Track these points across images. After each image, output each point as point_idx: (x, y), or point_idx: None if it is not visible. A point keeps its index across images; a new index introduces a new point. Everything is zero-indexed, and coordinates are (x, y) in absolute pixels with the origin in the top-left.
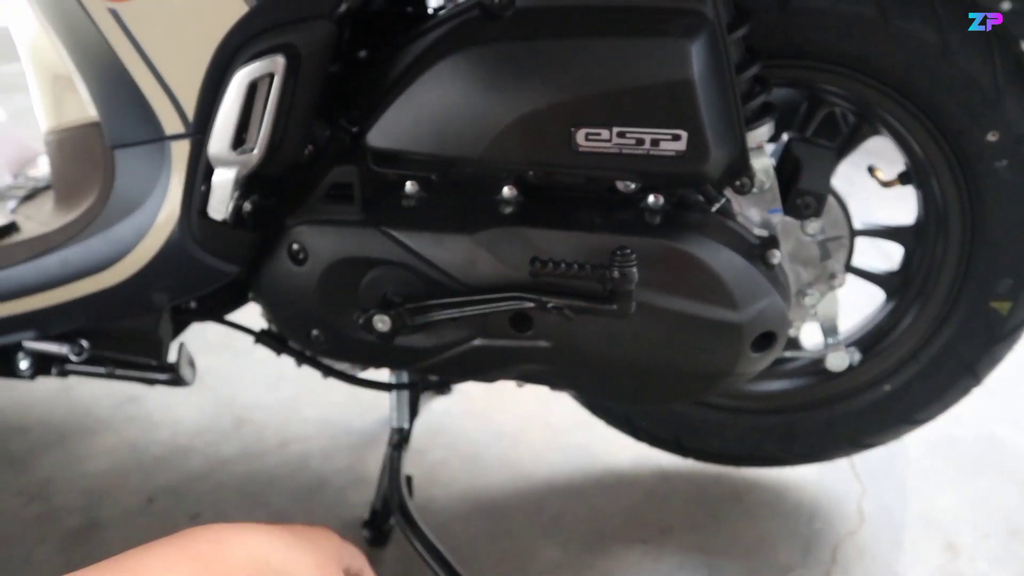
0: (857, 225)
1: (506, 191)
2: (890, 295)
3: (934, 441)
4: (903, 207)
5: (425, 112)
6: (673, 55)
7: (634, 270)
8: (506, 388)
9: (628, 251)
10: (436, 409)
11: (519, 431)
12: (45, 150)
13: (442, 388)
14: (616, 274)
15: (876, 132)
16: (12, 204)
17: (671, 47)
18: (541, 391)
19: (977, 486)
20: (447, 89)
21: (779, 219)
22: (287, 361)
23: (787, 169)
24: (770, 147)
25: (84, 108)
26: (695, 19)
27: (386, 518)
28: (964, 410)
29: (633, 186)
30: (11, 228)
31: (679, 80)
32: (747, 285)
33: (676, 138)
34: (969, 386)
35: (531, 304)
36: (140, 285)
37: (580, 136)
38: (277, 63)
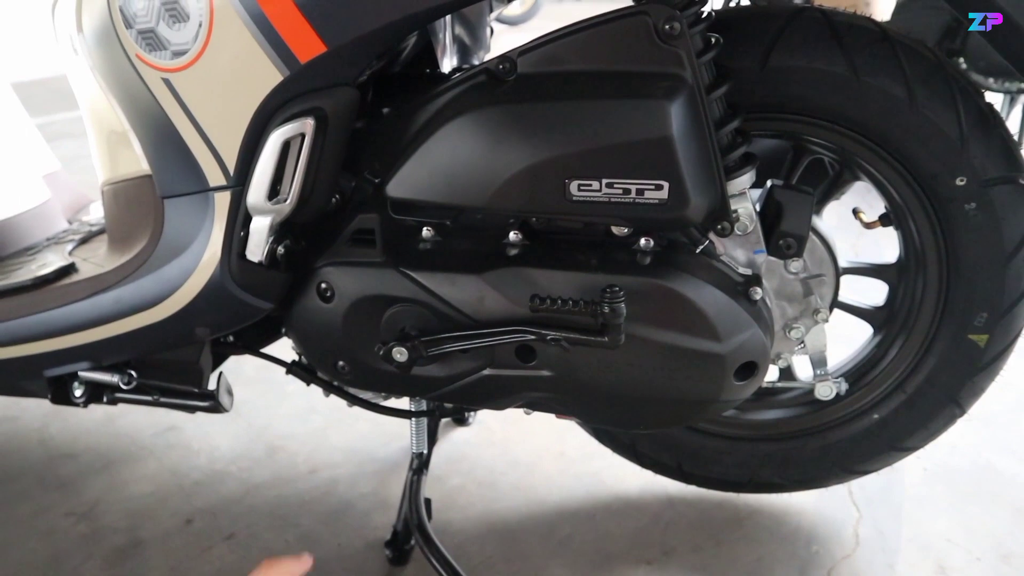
0: (843, 264)
1: (512, 235)
2: (876, 329)
3: (931, 470)
4: None
5: (438, 165)
6: (654, 115)
7: (622, 305)
8: (522, 420)
9: (617, 288)
10: (456, 439)
11: (534, 460)
12: (101, 199)
13: (460, 417)
14: (606, 309)
15: (857, 178)
16: (69, 247)
17: (652, 108)
18: (556, 424)
19: (971, 512)
20: (457, 145)
21: (763, 259)
22: (317, 394)
23: (770, 213)
24: (756, 193)
25: (137, 162)
26: (675, 83)
27: (407, 539)
28: (961, 440)
29: (627, 230)
30: (71, 269)
31: (659, 137)
32: (729, 319)
33: (659, 188)
34: (954, 415)
35: (532, 337)
36: (185, 320)
37: (573, 187)
38: (307, 124)
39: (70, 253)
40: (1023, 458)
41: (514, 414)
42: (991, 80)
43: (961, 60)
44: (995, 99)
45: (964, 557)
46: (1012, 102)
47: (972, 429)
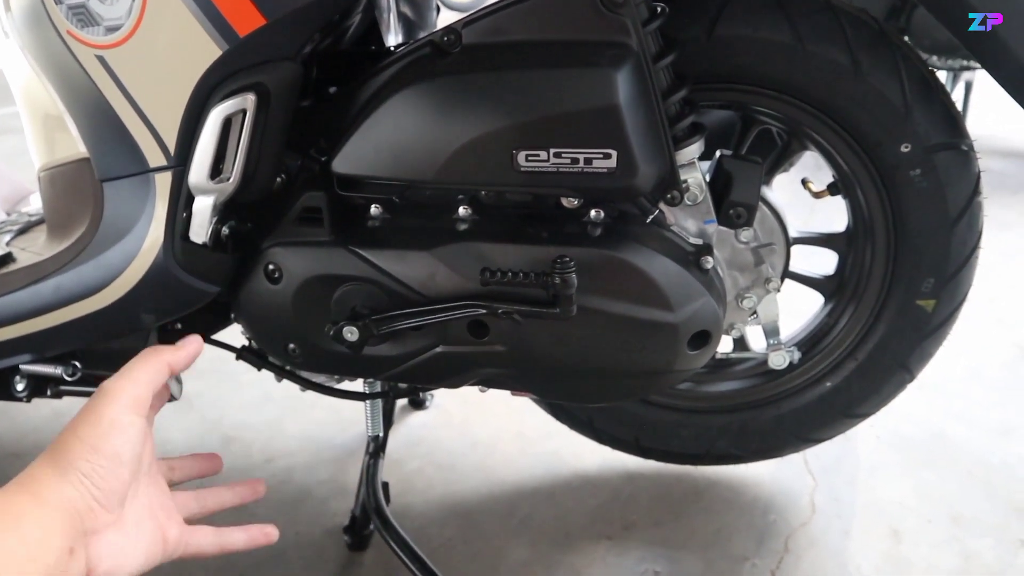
0: (793, 233)
1: (461, 210)
2: (827, 298)
3: (885, 439)
4: None
5: (383, 140)
6: (600, 83)
7: (573, 276)
8: (481, 402)
9: (567, 259)
10: (414, 423)
11: (493, 441)
12: (38, 185)
13: (417, 401)
14: (557, 280)
15: (805, 148)
16: (7, 238)
17: (598, 76)
18: (514, 405)
19: (923, 478)
20: (402, 118)
21: (714, 229)
22: (271, 384)
23: (720, 183)
24: (706, 164)
25: (74, 145)
26: (620, 51)
27: (366, 524)
28: (914, 409)
29: (577, 202)
30: (7, 258)
31: (606, 105)
32: (681, 288)
33: (607, 156)
34: (904, 380)
35: (484, 311)
36: (129, 306)
37: (521, 157)
38: (248, 100)
39: (8, 243)
40: (973, 424)
41: (472, 396)
42: (934, 57)
43: (906, 38)
44: (938, 76)
45: (916, 520)
46: (955, 79)
47: (924, 397)
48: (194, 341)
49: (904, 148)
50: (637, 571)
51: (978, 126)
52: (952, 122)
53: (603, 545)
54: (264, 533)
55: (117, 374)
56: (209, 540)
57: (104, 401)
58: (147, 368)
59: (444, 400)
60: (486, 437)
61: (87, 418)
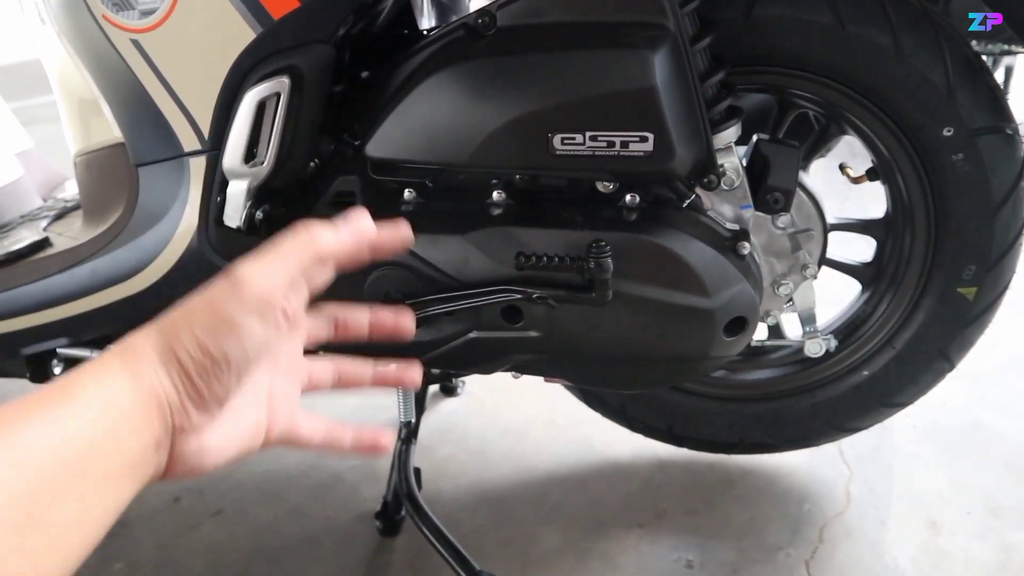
0: (831, 219)
1: (495, 194)
2: (865, 285)
3: (921, 428)
4: None
5: (417, 123)
6: (637, 65)
7: (609, 261)
8: (511, 389)
9: (603, 243)
10: (445, 409)
11: (524, 428)
12: (74, 170)
13: (448, 387)
14: (592, 264)
15: (844, 132)
16: (44, 223)
17: (636, 58)
18: (546, 391)
19: (960, 468)
20: (437, 101)
21: (750, 214)
22: None
23: (757, 168)
24: (742, 148)
25: (109, 130)
26: (658, 32)
27: (397, 509)
28: (950, 398)
29: (612, 186)
30: (44, 243)
31: (643, 87)
32: (717, 274)
33: (643, 140)
34: (943, 369)
35: (519, 296)
36: (163, 290)
37: (557, 140)
38: (283, 83)
39: (44, 228)
40: (1011, 414)
41: (503, 383)
42: (973, 42)
43: None
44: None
45: (954, 512)
46: (995, 64)
47: (960, 386)
48: (358, 217)
49: (947, 132)
50: (669, 559)
51: (1019, 111)
52: (997, 105)
53: (635, 533)
54: (373, 438)
55: (257, 256)
56: (320, 431)
57: (229, 295)
58: (289, 255)
59: (474, 387)
60: (517, 424)
61: (208, 306)
